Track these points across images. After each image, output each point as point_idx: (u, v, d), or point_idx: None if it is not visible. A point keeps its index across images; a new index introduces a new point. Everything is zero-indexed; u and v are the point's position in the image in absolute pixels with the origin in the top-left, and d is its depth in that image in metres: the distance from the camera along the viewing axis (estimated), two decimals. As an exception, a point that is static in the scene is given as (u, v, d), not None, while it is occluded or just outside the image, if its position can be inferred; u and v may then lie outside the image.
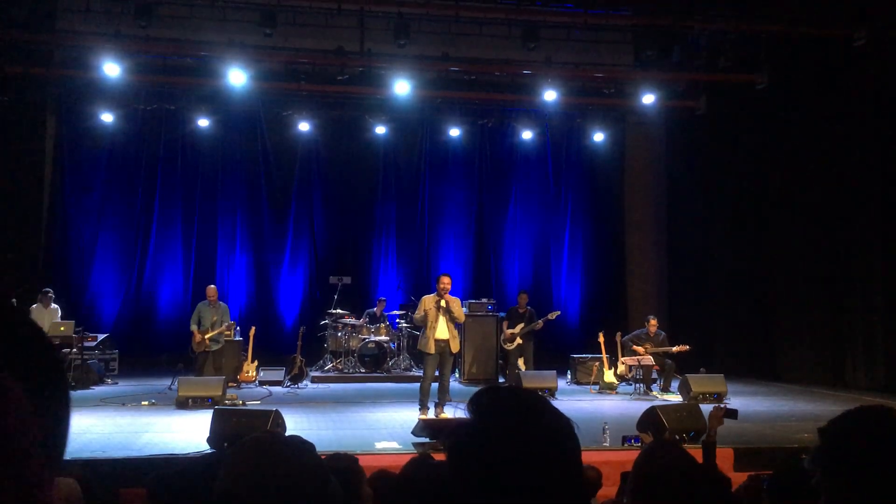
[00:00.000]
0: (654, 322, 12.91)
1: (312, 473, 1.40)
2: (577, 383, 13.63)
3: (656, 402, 9.73)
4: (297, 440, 1.48)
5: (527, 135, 16.57)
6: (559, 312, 14.29)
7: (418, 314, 9.84)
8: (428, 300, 9.76)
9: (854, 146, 12.89)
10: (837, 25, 12.39)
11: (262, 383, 12.87)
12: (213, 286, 12.87)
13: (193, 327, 12.43)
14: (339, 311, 14.21)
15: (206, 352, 12.31)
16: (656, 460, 2.14)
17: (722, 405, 5.38)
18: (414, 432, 8.09)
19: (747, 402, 11.50)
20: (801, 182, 13.94)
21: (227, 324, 12.64)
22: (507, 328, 13.62)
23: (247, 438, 1.43)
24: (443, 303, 9.61)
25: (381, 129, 15.91)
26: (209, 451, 6.71)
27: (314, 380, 13.46)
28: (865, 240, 12.73)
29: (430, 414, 9.60)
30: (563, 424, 1.19)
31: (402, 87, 13.62)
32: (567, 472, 1.16)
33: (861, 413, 1.63)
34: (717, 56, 13.84)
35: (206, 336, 12.29)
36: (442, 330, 9.61)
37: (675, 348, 12.55)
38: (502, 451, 1.13)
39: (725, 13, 13.30)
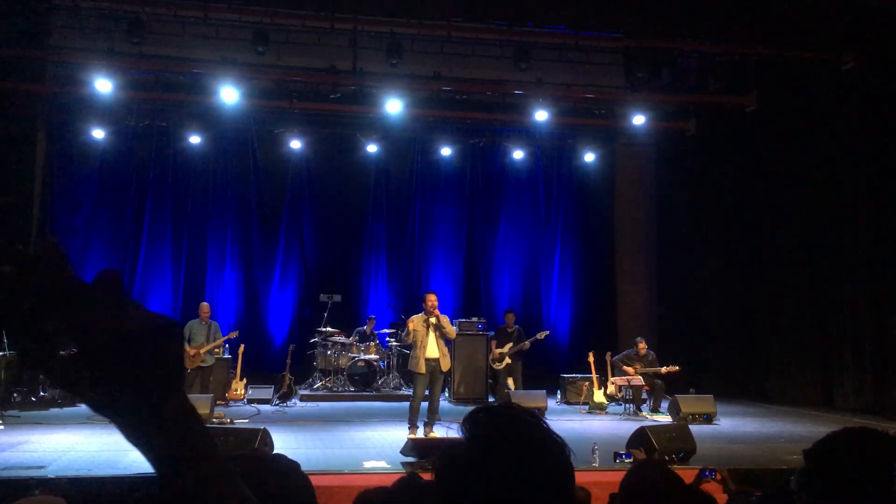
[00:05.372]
0: (643, 345, 12.92)
1: (297, 492, 1.39)
2: (567, 403, 13.60)
3: (646, 423, 9.74)
4: (281, 458, 1.48)
5: (518, 154, 16.64)
6: (548, 332, 14.30)
7: (406, 335, 9.83)
8: (416, 320, 9.75)
9: (842, 169, 12.98)
10: (826, 49, 12.51)
11: (250, 401, 12.79)
12: (206, 304, 12.80)
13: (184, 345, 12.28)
14: (328, 329, 14.16)
15: (197, 368, 12.21)
16: (643, 479, 2.14)
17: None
18: (403, 452, 8.06)
19: (737, 423, 11.52)
20: (790, 204, 14.03)
21: (220, 339, 12.56)
22: (496, 347, 13.62)
23: (230, 456, 1.42)
24: (433, 320, 9.60)
25: (372, 148, 15.93)
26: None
27: (303, 398, 13.39)
28: (854, 262, 12.79)
29: (420, 433, 9.57)
30: (556, 446, 1.19)
31: (394, 106, 13.66)
32: (558, 495, 1.16)
33: (845, 435, 1.64)
34: (707, 78, 13.98)
35: (202, 350, 12.17)
36: (432, 349, 9.59)
37: (664, 369, 12.56)
38: (495, 472, 1.13)
39: (715, 36, 13.43)
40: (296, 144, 15.62)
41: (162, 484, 0.85)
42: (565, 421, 11.51)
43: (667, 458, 7.57)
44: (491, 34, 13.91)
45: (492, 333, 14.04)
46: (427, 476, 2.44)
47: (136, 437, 0.85)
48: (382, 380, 14.16)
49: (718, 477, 4.92)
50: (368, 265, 16.73)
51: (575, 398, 13.42)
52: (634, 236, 17.12)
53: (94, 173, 15.64)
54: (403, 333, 9.93)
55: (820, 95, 13.25)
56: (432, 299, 9.73)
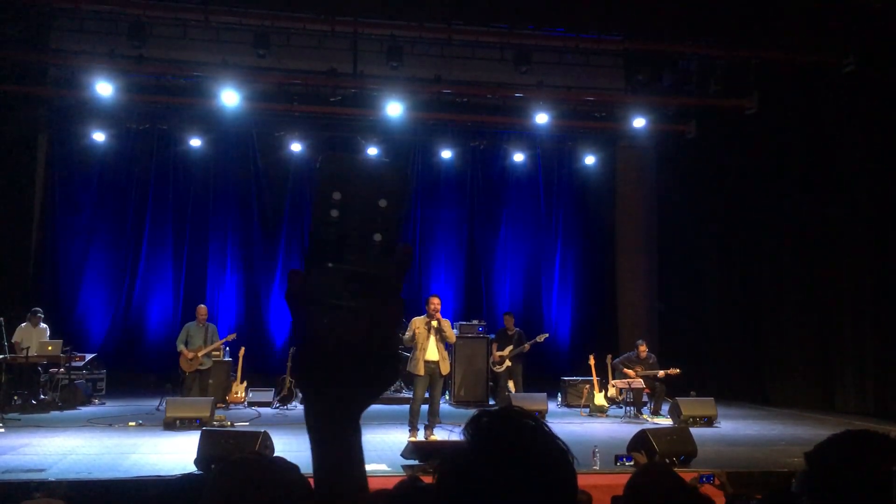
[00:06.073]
0: (643, 347, 12.91)
1: (296, 494, 1.39)
2: (568, 406, 13.59)
3: (646, 425, 9.72)
4: (281, 461, 1.48)
5: (518, 157, 16.65)
6: (547, 335, 14.30)
7: (407, 336, 9.81)
8: (417, 322, 9.74)
9: (843, 170, 12.98)
10: (826, 52, 12.52)
11: (250, 404, 12.79)
12: (203, 306, 12.77)
13: (181, 347, 12.20)
14: (329, 332, 14.13)
15: (196, 371, 12.19)
16: (649, 481, 2.14)
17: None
18: (403, 454, 8.05)
19: (737, 425, 11.51)
20: (790, 206, 14.01)
21: (218, 341, 12.53)
22: (497, 350, 13.61)
23: (230, 459, 1.42)
24: (434, 323, 9.60)
25: (373, 151, 15.91)
26: (194, 472, 6.66)
27: (303, 401, 13.37)
28: (854, 264, 12.78)
29: (420, 436, 9.55)
30: (559, 451, 1.19)
31: (394, 109, 13.66)
32: (561, 499, 1.16)
33: (847, 438, 1.63)
34: (708, 81, 13.96)
35: (200, 353, 12.15)
36: (432, 351, 9.58)
37: (664, 371, 12.54)
38: (497, 476, 1.12)
39: (716, 39, 13.43)
40: (296, 147, 15.62)
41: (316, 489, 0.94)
42: (566, 424, 11.49)
43: (667, 461, 7.56)
44: (491, 37, 13.92)
45: (492, 336, 14.03)
46: (428, 479, 2.43)
47: (323, 437, 0.96)
48: (383, 382, 14.13)
49: (717, 482, 4.91)
50: (369, 268, 16.70)
51: (576, 401, 13.41)
52: (635, 239, 17.12)
53: (94, 176, 15.66)
54: (406, 337, 9.91)
55: (820, 98, 13.25)
56: (435, 302, 9.73)
